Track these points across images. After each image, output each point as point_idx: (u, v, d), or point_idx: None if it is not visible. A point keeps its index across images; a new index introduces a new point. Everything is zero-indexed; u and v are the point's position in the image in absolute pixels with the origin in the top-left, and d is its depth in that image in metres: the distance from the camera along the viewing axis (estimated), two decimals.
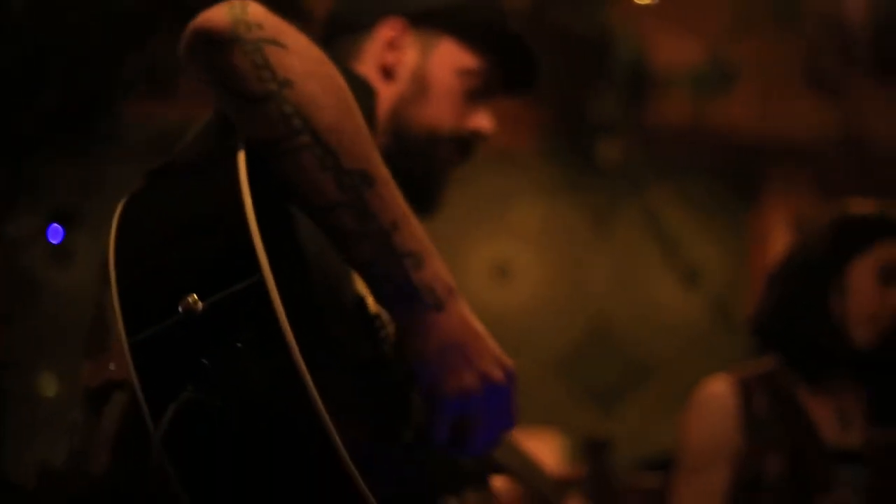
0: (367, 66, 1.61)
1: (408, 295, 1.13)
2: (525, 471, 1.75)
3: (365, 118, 1.19)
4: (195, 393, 1.01)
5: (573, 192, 5.05)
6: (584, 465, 2.26)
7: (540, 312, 5.00)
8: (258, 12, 1.14)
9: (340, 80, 1.16)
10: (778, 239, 4.86)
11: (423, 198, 1.62)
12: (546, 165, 5.04)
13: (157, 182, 1.17)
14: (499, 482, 1.66)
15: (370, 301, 1.23)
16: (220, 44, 1.12)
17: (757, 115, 5.15)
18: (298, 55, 1.13)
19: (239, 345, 1.01)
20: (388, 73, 1.61)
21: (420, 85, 1.61)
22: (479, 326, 1.18)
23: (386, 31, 1.62)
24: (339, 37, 1.64)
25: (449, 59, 1.62)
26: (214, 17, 1.13)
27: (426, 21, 1.62)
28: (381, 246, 1.12)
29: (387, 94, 1.59)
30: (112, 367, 1.15)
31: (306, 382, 0.99)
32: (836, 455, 2.14)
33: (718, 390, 2.23)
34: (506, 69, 1.68)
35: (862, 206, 2.28)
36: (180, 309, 1.01)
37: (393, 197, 1.14)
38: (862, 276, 2.20)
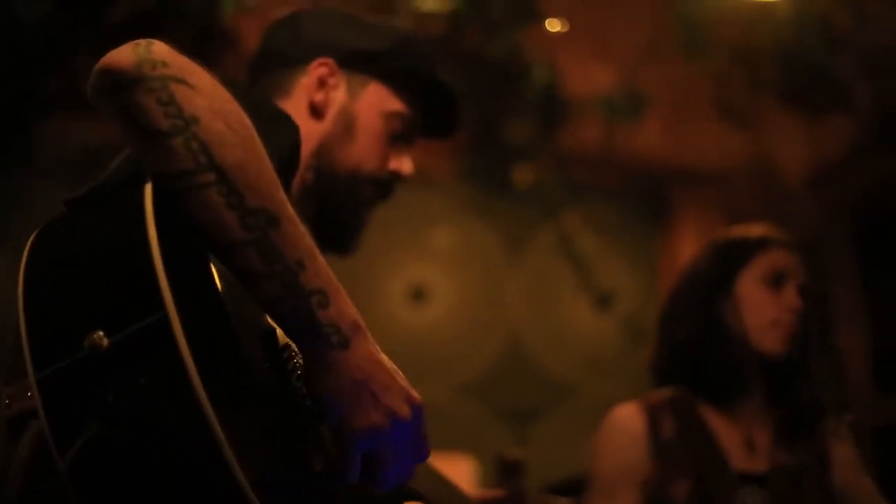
0: (297, 102, 1.64)
1: (314, 333, 1.15)
2: (443, 496, 1.76)
3: (287, 154, 1.20)
4: (101, 429, 1.01)
5: (488, 215, 5.09)
6: (499, 487, 2.27)
7: (455, 334, 5.02)
8: (163, 51, 1.16)
9: (246, 120, 1.17)
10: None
11: (342, 235, 1.65)
12: (461, 188, 5.08)
13: (70, 213, 1.18)
14: None
15: (280, 332, 1.25)
16: (125, 83, 1.13)
17: (667, 142, 5.25)
18: (204, 93, 1.15)
19: (143, 381, 1.01)
20: (316, 111, 1.64)
21: (347, 125, 1.65)
22: (386, 362, 1.20)
23: (318, 69, 1.65)
24: (270, 69, 1.68)
25: (376, 103, 1.67)
26: (119, 57, 1.14)
27: (356, 64, 1.66)
28: (288, 285, 1.13)
29: (314, 132, 1.63)
30: (30, 394, 1.16)
31: (210, 420, 1.00)
32: (742, 480, 2.18)
33: (627, 415, 2.28)
34: (429, 115, 1.72)
35: (741, 230, 2.37)
36: (85, 345, 1.02)
37: (299, 235, 1.15)
38: (750, 286, 2.28)
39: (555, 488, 3.37)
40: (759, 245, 2.32)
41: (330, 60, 1.66)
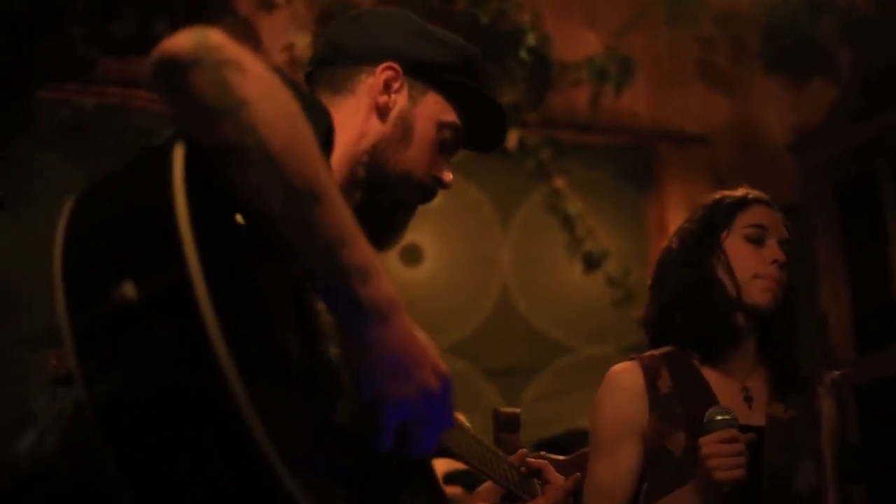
0: (361, 100, 1.71)
1: (353, 309, 1.20)
2: (474, 452, 1.84)
3: (322, 139, 1.25)
4: (126, 380, 1.06)
5: (480, 177, 5.13)
6: (494, 442, 2.34)
7: (447, 294, 5.06)
8: (219, 38, 1.20)
9: (294, 106, 1.21)
10: (676, 224, 5.02)
11: (382, 233, 1.70)
12: None
13: (105, 179, 1.22)
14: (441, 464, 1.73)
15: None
16: (182, 65, 1.17)
17: (653, 105, 5.31)
18: (256, 79, 1.19)
19: (167, 336, 1.05)
20: (380, 112, 1.70)
21: (405, 130, 1.71)
22: (419, 337, 1.26)
23: (385, 73, 1.71)
24: (334, 63, 1.74)
25: (433, 112, 1.73)
26: (178, 41, 1.19)
27: (421, 72, 1.73)
28: (326, 260, 1.18)
29: (373, 130, 1.69)
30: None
31: (227, 375, 1.04)
32: (739, 430, 2.23)
33: (626, 372, 2.34)
34: (476, 129, 1.80)
35: (724, 192, 2.49)
36: (116, 296, 1.06)
37: (341, 214, 1.19)
38: (735, 244, 2.37)
39: (544, 445, 3.45)
40: (740, 204, 2.42)
41: (396, 65, 1.71)
